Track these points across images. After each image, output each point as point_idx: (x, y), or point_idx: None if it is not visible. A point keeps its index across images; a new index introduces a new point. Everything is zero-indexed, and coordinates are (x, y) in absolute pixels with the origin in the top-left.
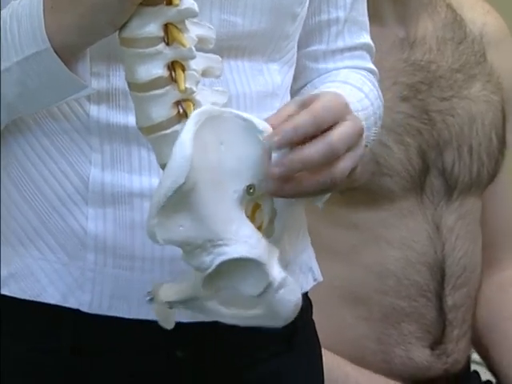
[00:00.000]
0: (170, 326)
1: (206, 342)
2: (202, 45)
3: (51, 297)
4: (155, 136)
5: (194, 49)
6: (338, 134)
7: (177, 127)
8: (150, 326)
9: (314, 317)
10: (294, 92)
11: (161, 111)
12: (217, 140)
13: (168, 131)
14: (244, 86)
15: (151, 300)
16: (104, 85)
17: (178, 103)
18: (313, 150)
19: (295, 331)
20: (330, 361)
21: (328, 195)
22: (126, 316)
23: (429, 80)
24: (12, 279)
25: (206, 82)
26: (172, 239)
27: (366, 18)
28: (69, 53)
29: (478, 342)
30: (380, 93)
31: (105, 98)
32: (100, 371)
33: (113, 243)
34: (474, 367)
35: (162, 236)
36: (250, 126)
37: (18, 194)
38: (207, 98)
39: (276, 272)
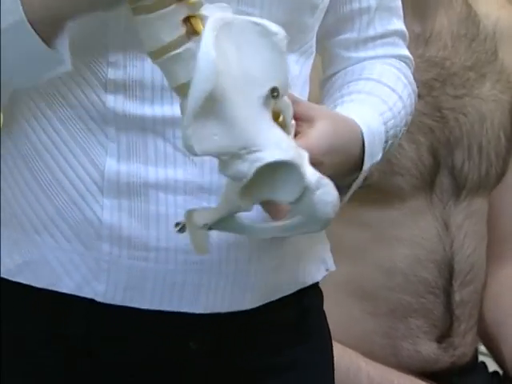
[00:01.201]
0: (205, 251)
1: (218, 333)
2: None
3: (66, 286)
4: (166, 57)
5: None
6: None
7: (188, 45)
8: (163, 317)
9: None
10: (326, 78)
11: (170, 30)
12: (233, 47)
13: (179, 50)
14: None
15: (181, 230)
16: (121, 75)
17: (185, 21)
18: None
19: (305, 321)
20: (342, 354)
21: (345, 200)
22: (140, 307)
23: (442, 77)
24: (27, 267)
25: None
26: (208, 149)
27: (398, 3)
28: (46, 26)
29: (486, 336)
30: (413, 83)
31: (121, 88)
32: (112, 362)
33: (128, 234)
34: (481, 358)
35: (199, 147)
36: (263, 30)
37: (35, 182)
38: (214, 14)
39: (310, 173)
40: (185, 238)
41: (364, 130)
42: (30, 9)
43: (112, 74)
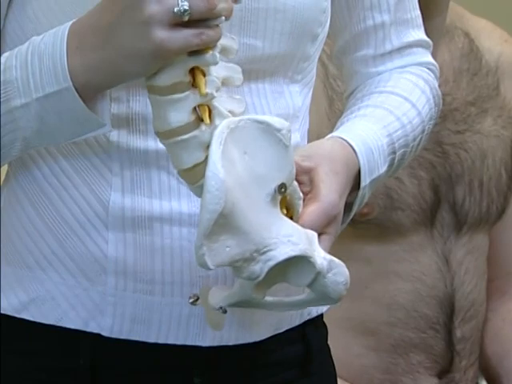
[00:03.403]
0: (219, 328)
1: (222, 366)
2: (224, 55)
3: (72, 322)
4: (172, 141)
5: (217, 55)
6: None
7: (195, 133)
8: (169, 350)
9: None
10: (348, 94)
11: (179, 116)
12: (240, 151)
13: (186, 136)
14: (264, 110)
15: (194, 302)
16: (124, 110)
17: (196, 109)
18: None
19: (310, 356)
20: None
21: (342, 228)
22: (146, 340)
23: (444, 112)
24: (32, 304)
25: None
26: (222, 262)
27: (416, 12)
28: (90, 92)
29: (487, 370)
30: (436, 87)
31: (125, 122)
32: None
33: (133, 267)
34: None
35: (213, 262)
36: (267, 128)
37: (38, 218)
38: (224, 105)
39: (321, 259)
40: (190, 270)
41: (358, 149)
42: (75, 78)
43: (115, 108)
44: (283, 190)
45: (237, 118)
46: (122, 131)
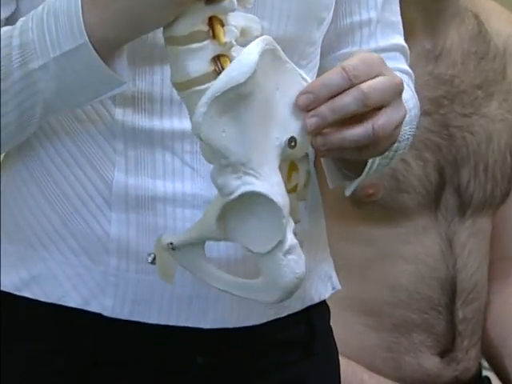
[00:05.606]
0: (170, 280)
1: (224, 348)
2: (241, 4)
3: (73, 301)
4: (190, 91)
5: (234, 1)
6: (371, 83)
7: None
8: (171, 331)
9: None
10: None
11: (198, 65)
12: (274, 82)
13: (203, 86)
14: None
15: (154, 261)
16: (130, 88)
17: (215, 59)
18: (343, 98)
19: (313, 338)
20: (345, 367)
21: (357, 182)
22: (147, 321)
23: (451, 95)
24: (34, 282)
25: None
26: (212, 140)
27: (399, 19)
28: (107, 48)
29: (489, 351)
30: (415, 94)
31: (130, 101)
32: (117, 376)
33: (135, 248)
34: (485, 373)
35: (205, 132)
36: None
37: (42, 196)
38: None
39: (290, 235)
40: None
41: None
42: (91, 33)
43: None
44: (293, 144)
45: (287, 58)
46: (127, 110)
